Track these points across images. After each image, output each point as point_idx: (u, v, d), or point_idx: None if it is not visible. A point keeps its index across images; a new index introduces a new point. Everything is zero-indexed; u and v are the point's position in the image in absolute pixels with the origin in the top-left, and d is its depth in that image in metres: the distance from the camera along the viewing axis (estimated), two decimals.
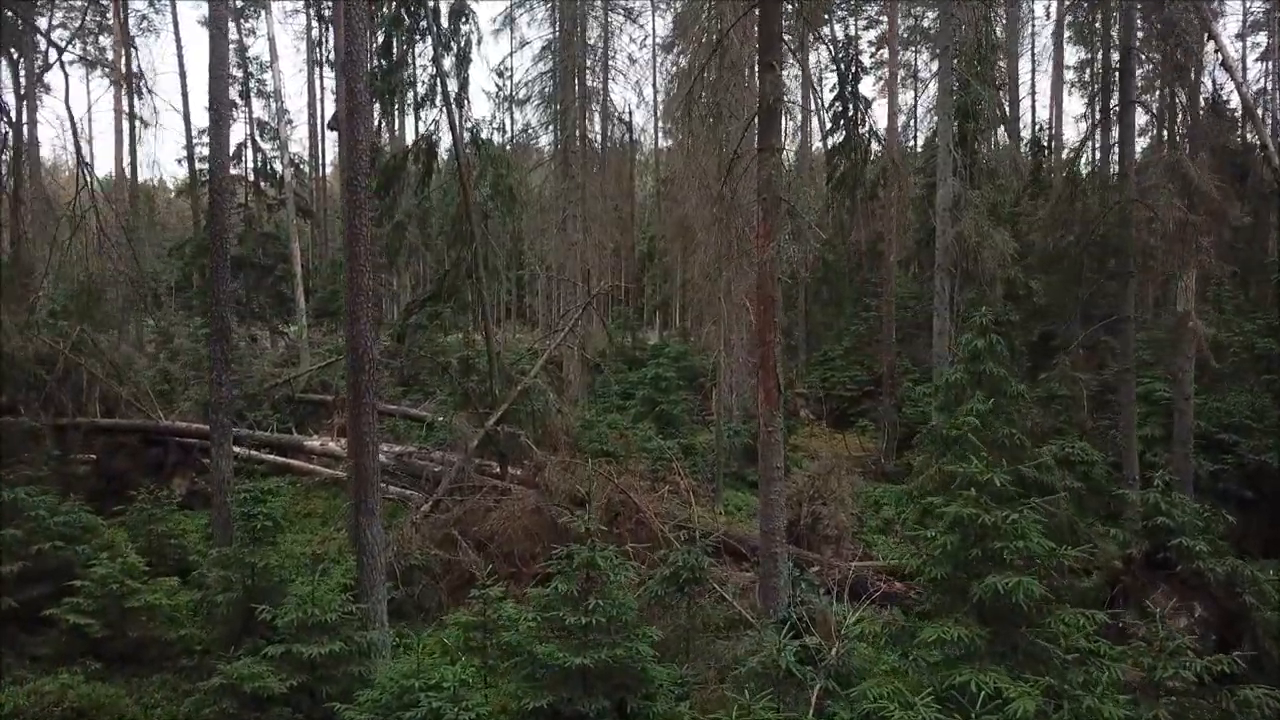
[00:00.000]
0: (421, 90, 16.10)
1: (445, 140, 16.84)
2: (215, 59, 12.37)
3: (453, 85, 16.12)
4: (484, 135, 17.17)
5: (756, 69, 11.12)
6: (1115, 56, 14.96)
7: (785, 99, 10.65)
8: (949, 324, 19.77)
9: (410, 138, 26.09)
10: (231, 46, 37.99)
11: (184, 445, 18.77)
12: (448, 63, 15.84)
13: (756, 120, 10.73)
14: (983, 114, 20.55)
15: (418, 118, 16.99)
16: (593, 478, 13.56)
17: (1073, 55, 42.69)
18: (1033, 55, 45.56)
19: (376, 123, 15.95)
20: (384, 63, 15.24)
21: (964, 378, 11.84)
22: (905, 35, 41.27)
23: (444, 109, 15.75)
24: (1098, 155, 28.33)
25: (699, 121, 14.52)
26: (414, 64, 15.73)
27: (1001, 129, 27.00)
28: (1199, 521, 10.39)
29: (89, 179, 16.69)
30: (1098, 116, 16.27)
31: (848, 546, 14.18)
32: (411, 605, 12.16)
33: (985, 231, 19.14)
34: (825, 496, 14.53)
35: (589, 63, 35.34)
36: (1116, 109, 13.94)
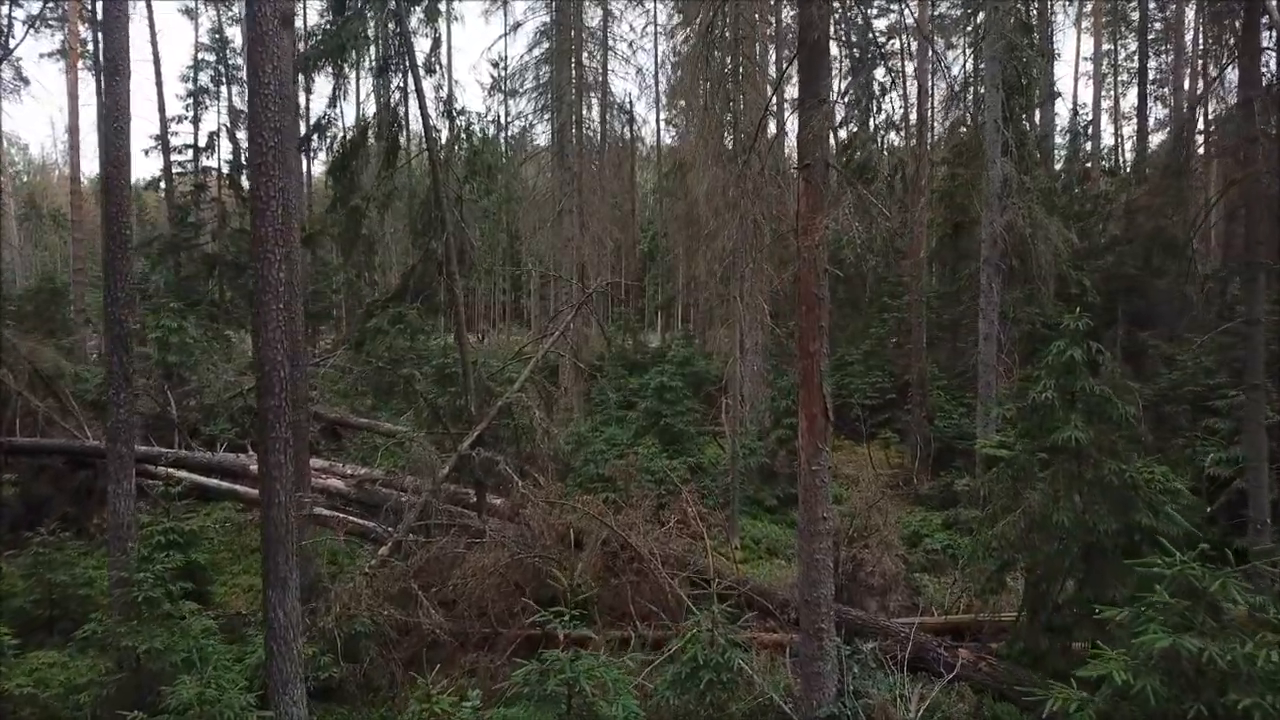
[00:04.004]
0: (384, 52, 13.58)
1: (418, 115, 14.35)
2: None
3: (422, 47, 13.62)
4: (459, 106, 14.63)
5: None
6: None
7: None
8: (996, 326, 17.26)
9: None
10: (209, 32, 35.74)
11: None
12: (414, 19, 13.35)
13: (796, 65, 8.22)
14: (1033, 87, 18.03)
15: (405, 90, 14.41)
16: (584, 517, 11.06)
17: (1087, 47, 40.32)
18: (1051, 44, 43.21)
19: (331, 94, 13.55)
20: (336, 18, 12.74)
21: (1054, 395, 9.35)
22: (915, 25, 38.84)
23: (410, 74, 13.26)
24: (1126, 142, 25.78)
25: (716, 79, 12.07)
26: (376, 21, 13.19)
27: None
28: None
29: None
30: (1213, 74, 13.69)
31: (897, 598, 11.66)
32: (356, 684, 9.66)
33: (1039, 220, 16.67)
34: (867, 537, 12.02)
35: (590, 47, 32.84)
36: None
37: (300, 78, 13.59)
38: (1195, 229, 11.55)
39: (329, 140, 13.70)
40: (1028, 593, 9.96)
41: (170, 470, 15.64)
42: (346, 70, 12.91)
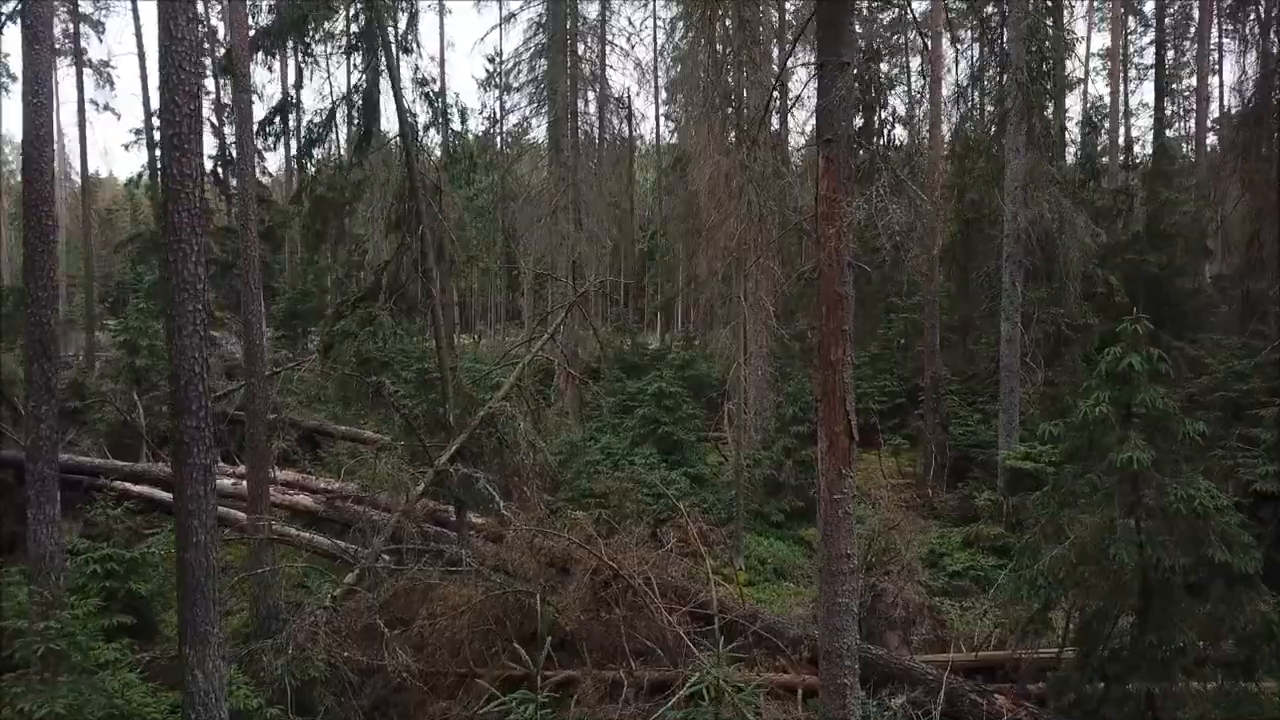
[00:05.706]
0: (355, 29, 12.41)
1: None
2: None
3: (397, 23, 12.46)
4: (438, 87, 13.40)
5: None
6: None
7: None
8: (1019, 329, 16.05)
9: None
10: (200, 25, 34.57)
11: (71, 481, 15.06)
12: None
13: (814, 22, 7.02)
14: (1050, 76, 16.83)
15: (379, 69, 13.09)
16: (573, 544, 9.86)
17: (1095, 42, 39.35)
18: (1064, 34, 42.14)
19: (298, 73, 12.37)
20: None
21: (1108, 409, 8.16)
22: (920, 20, 37.67)
23: (383, 51, 12.07)
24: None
25: (718, 61, 10.90)
26: None
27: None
28: None
29: None
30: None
31: (921, 632, 10.46)
32: None
33: (1067, 214, 15.47)
34: (887, 563, 10.83)
35: (587, 40, 31.58)
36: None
37: (261, 55, 12.39)
38: (1263, 220, 10.36)
39: (290, 125, 12.50)
40: (1077, 634, 8.78)
41: (127, 486, 14.43)
42: (312, 47, 11.78)
